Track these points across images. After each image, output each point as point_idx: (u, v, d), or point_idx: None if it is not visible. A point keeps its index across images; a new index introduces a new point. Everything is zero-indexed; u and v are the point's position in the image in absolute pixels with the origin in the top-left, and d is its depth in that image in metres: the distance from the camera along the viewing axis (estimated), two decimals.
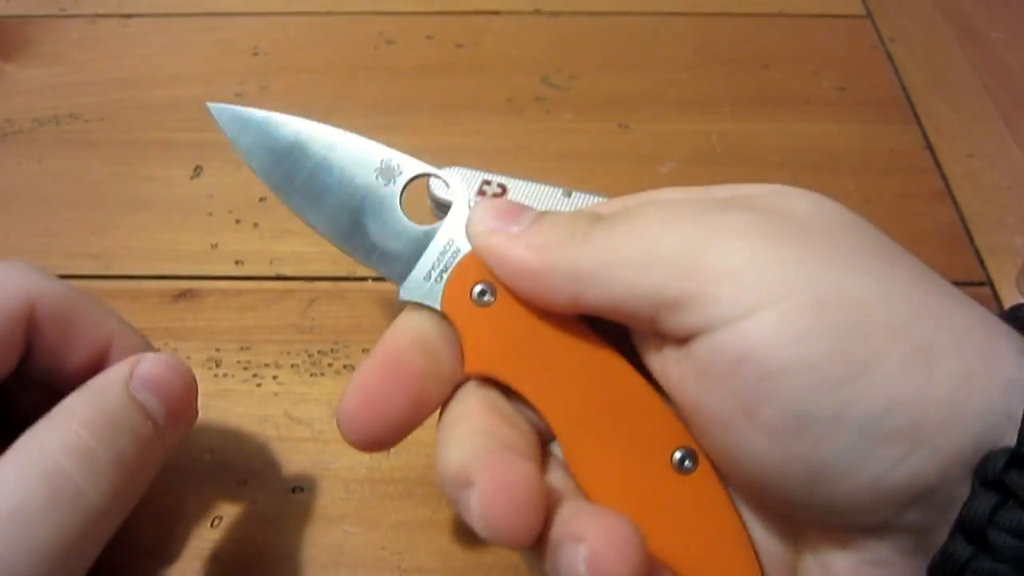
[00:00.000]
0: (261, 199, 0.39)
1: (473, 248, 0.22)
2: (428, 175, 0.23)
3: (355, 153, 0.23)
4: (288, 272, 0.36)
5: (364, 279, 0.36)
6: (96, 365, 0.24)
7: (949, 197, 0.40)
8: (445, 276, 0.22)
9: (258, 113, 0.24)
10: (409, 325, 0.22)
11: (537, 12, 0.50)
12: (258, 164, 0.24)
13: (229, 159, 0.41)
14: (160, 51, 0.47)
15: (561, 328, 0.21)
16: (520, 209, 0.21)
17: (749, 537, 0.21)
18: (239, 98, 0.44)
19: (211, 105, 0.24)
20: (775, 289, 0.17)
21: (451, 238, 0.22)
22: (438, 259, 0.22)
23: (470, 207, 0.22)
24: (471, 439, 0.20)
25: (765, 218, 0.19)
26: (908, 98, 0.45)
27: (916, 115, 0.44)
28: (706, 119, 0.44)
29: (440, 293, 0.22)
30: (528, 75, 0.46)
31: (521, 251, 0.20)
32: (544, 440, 0.22)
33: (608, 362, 0.21)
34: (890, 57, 0.48)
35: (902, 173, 0.41)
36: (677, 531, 0.20)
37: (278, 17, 0.50)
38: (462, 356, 0.21)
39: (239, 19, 0.49)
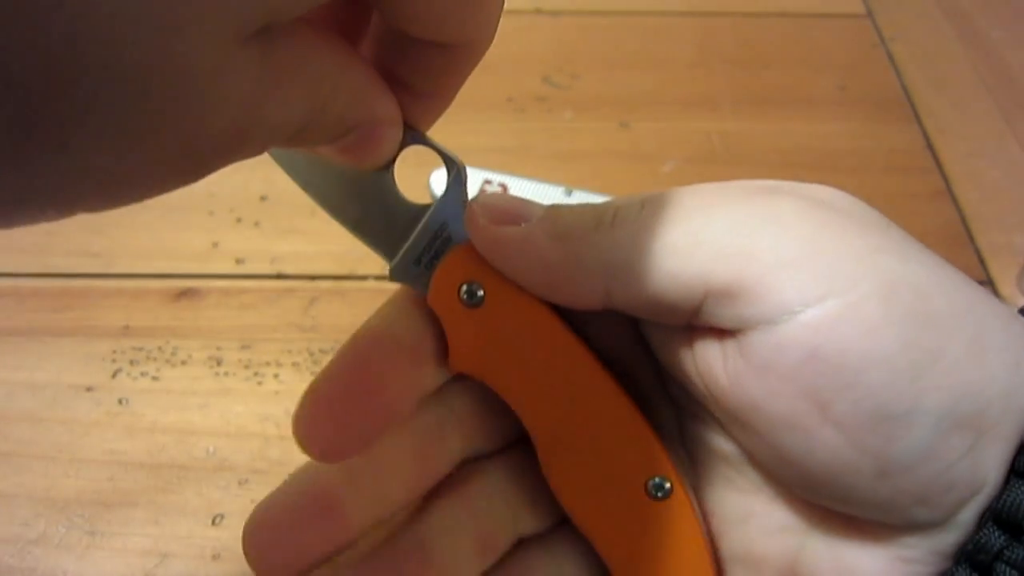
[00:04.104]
0: (262, 198, 0.39)
1: (476, 244, 0.19)
2: (419, 143, 0.20)
3: None
4: (289, 271, 0.36)
5: (365, 278, 0.36)
6: None
7: (950, 196, 0.40)
8: (435, 263, 0.20)
9: None
10: (386, 319, 0.20)
11: (538, 11, 0.50)
12: None
13: None
14: None
15: (549, 339, 0.20)
16: (527, 203, 0.19)
17: (717, 568, 0.20)
18: None
19: None
20: (840, 278, 0.16)
21: (444, 221, 0.20)
22: (429, 243, 0.20)
23: (466, 193, 0.20)
24: None
25: (814, 204, 0.18)
26: (909, 97, 0.45)
27: (917, 114, 0.44)
28: (707, 118, 0.44)
29: (428, 283, 0.20)
30: (529, 74, 0.46)
31: (542, 242, 0.18)
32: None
33: (594, 379, 0.20)
34: (891, 56, 0.48)
35: (903, 172, 0.41)
36: (644, 556, 0.20)
37: None
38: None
39: None
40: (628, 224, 0.18)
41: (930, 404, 0.16)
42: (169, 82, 0.12)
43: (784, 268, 0.17)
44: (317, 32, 0.15)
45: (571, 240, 0.18)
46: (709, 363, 0.18)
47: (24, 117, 0.11)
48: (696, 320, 0.18)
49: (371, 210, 0.20)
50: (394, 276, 0.20)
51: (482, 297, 0.20)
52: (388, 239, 0.20)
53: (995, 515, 0.16)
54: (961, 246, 0.38)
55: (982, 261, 0.37)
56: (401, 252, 0.20)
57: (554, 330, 0.20)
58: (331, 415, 0.19)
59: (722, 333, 0.18)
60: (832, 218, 0.18)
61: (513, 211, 0.19)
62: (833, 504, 0.18)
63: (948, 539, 0.17)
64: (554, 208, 0.19)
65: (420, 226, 0.20)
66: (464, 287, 0.20)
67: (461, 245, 0.20)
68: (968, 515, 0.17)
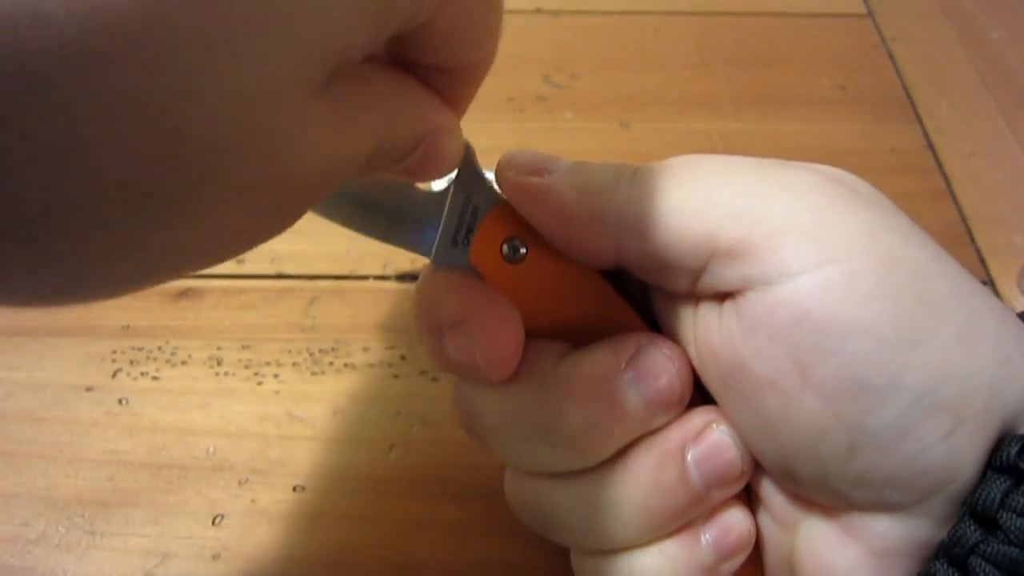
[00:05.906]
0: None
1: (504, 194, 0.20)
2: None
3: None
4: (289, 271, 0.36)
5: (365, 277, 0.36)
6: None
7: (950, 196, 0.40)
8: (471, 237, 0.21)
9: None
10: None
11: (539, 11, 0.50)
12: None
13: None
14: None
15: (589, 289, 0.21)
16: (554, 158, 0.20)
17: None
18: None
19: None
20: (841, 248, 0.17)
21: (467, 196, 0.21)
22: (460, 221, 0.21)
23: (478, 164, 0.21)
24: None
25: (827, 179, 0.18)
26: (909, 97, 0.45)
27: (917, 114, 0.44)
28: (708, 118, 0.44)
29: (468, 253, 0.21)
30: (530, 74, 0.46)
31: (563, 192, 0.19)
32: None
33: (634, 329, 0.21)
34: (891, 56, 0.48)
35: (903, 172, 0.41)
36: None
37: None
38: None
39: None
40: (645, 182, 0.19)
41: (912, 381, 0.16)
42: (261, 147, 0.13)
43: (789, 233, 0.17)
44: (368, 60, 0.16)
45: (590, 192, 0.19)
46: (707, 326, 0.19)
47: (143, 204, 0.12)
48: (699, 285, 0.19)
49: (396, 215, 0.21)
50: (438, 264, 0.21)
51: (524, 254, 0.20)
52: (421, 235, 0.21)
53: (971, 509, 0.16)
54: (961, 246, 0.38)
55: (982, 261, 0.37)
56: (437, 240, 0.21)
57: (595, 284, 0.21)
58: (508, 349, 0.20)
59: (723, 297, 0.19)
60: (843, 193, 0.18)
61: (540, 163, 0.20)
62: (807, 488, 0.18)
63: (920, 532, 0.17)
64: (578, 163, 0.20)
65: (447, 208, 0.21)
66: (506, 244, 0.20)
67: (497, 208, 0.21)
68: (940, 504, 0.17)
